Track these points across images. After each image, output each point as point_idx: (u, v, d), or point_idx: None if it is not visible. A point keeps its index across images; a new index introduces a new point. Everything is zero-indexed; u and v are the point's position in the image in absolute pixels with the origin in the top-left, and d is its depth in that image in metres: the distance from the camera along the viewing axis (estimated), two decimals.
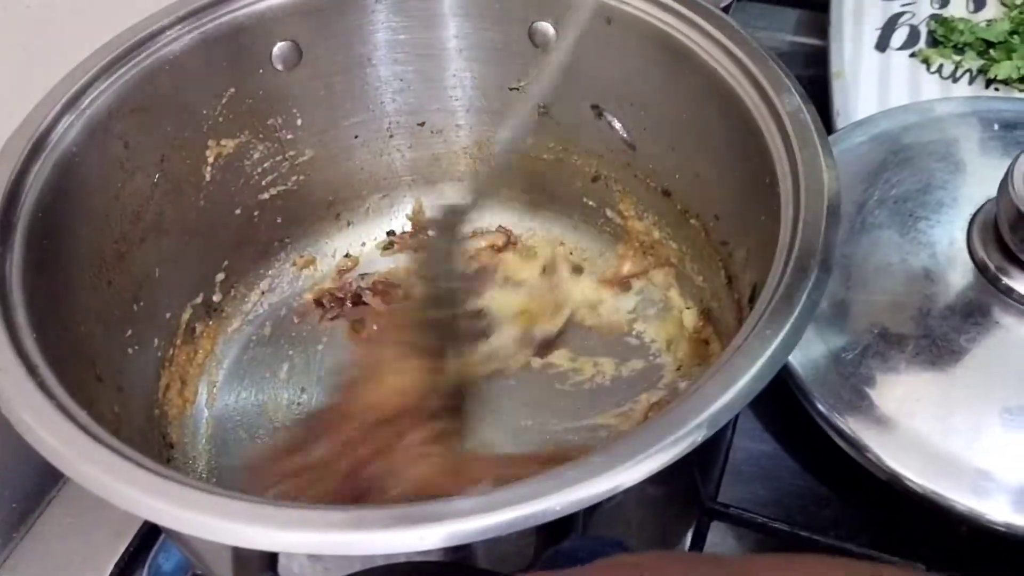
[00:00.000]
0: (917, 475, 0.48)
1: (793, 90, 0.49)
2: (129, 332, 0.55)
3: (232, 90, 0.59)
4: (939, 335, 0.52)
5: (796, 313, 0.39)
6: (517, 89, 0.64)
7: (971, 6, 0.77)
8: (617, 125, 0.62)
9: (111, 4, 0.56)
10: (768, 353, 0.37)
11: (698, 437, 0.35)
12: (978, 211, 0.56)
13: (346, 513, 0.33)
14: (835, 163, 0.46)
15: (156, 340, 0.58)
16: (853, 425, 0.50)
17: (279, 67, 0.60)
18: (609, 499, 0.34)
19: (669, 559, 0.33)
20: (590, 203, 0.67)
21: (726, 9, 0.83)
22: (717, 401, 0.36)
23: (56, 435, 0.37)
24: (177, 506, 0.34)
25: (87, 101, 0.51)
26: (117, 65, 0.53)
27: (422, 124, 0.68)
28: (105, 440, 0.37)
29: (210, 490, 0.34)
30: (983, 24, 0.74)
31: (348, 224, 0.70)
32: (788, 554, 0.33)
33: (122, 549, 0.56)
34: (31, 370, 0.40)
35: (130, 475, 0.35)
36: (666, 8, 0.55)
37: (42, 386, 0.39)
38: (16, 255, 0.44)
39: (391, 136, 0.68)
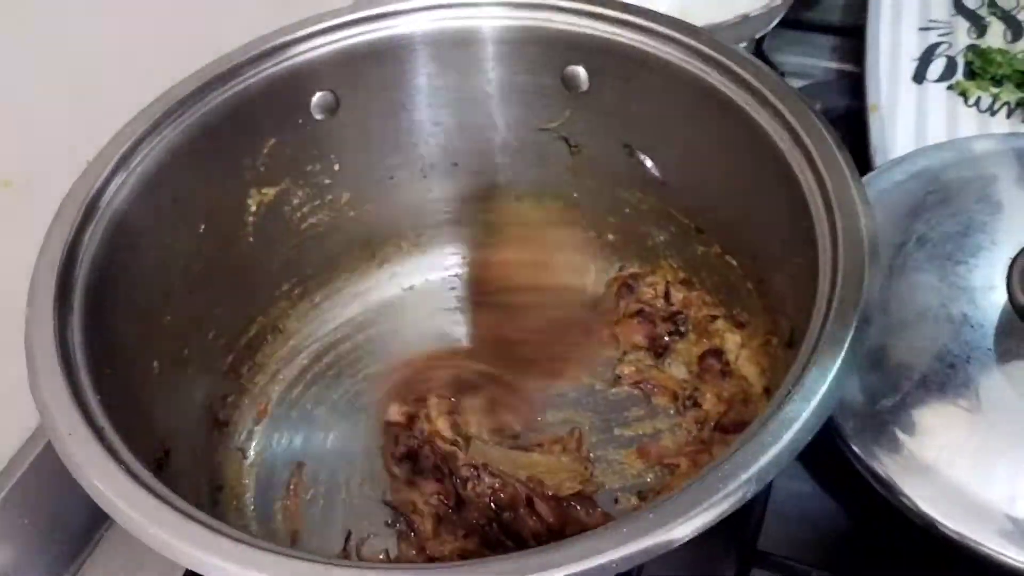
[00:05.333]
0: (954, 522, 0.49)
1: (828, 136, 0.52)
2: (179, 380, 0.58)
3: (273, 140, 0.62)
4: (979, 383, 0.53)
5: (837, 367, 0.41)
6: (549, 130, 0.68)
7: (1008, 36, 0.79)
8: (649, 163, 0.65)
9: (157, 61, 0.59)
10: (808, 411, 0.40)
11: (746, 493, 0.38)
12: (1019, 254, 0.56)
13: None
14: (872, 211, 0.48)
15: (203, 385, 0.62)
16: (891, 471, 0.52)
17: (318, 116, 0.64)
18: None
19: None
20: (622, 237, 0.71)
21: (761, 39, 0.86)
22: (763, 457, 0.38)
23: (128, 502, 0.40)
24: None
25: (137, 159, 0.54)
26: (164, 123, 0.56)
27: (456, 164, 0.71)
28: (177, 505, 0.40)
29: (299, 556, 0.37)
30: (1020, 55, 0.76)
31: (384, 262, 0.74)
32: None
33: None
34: (98, 433, 0.43)
35: (212, 543, 0.38)
36: (698, 53, 0.58)
37: (110, 449, 0.42)
38: (76, 316, 0.48)
39: (425, 177, 0.71)
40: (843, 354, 0.42)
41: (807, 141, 0.51)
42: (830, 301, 0.44)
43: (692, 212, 0.65)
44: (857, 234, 0.47)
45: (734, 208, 0.61)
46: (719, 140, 0.59)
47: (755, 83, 0.55)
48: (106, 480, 0.41)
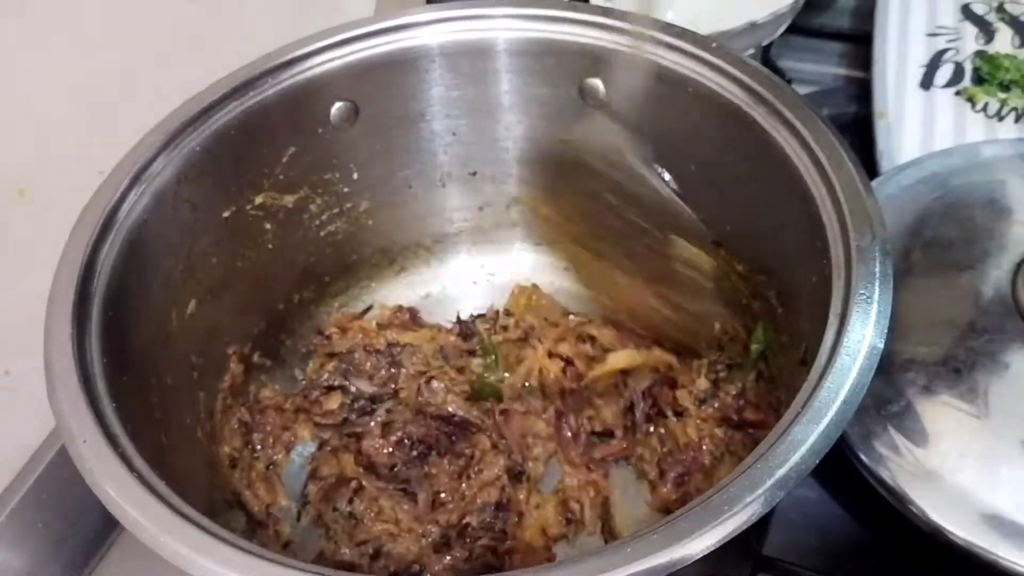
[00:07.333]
0: (961, 529, 0.48)
1: (841, 150, 0.49)
2: (197, 393, 0.57)
3: (292, 149, 0.60)
4: (985, 389, 0.51)
5: (847, 389, 0.39)
6: (566, 141, 0.65)
7: (1016, 41, 0.75)
8: (667, 176, 0.62)
9: (175, 72, 0.57)
10: (817, 434, 0.37)
11: (752, 515, 0.35)
12: (1023, 260, 0.55)
13: None
14: (887, 231, 0.46)
15: (218, 396, 0.60)
16: (896, 477, 0.50)
17: (337, 125, 0.61)
18: None
19: None
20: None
21: (768, 46, 0.83)
22: (769, 479, 0.36)
23: (139, 508, 0.38)
24: None
25: (155, 171, 0.52)
26: (182, 135, 0.54)
27: (474, 174, 0.68)
28: (186, 513, 0.38)
29: (299, 566, 0.35)
30: None
31: (402, 270, 0.71)
32: None
33: None
34: (112, 440, 0.41)
35: (220, 552, 0.36)
36: (714, 67, 0.55)
37: (123, 457, 0.40)
38: (94, 325, 0.46)
39: (443, 186, 0.69)
40: (854, 376, 0.39)
41: (820, 155, 0.49)
42: (843, 319, 0.41)
43: (710, 226, 0.61)
44: (871, 258, 0.44)
45: (750, 221, 0.58)
46: (734, 152, 0.56)
47: (769, 96, 0.52)
48: (118, 487, 0.39)
